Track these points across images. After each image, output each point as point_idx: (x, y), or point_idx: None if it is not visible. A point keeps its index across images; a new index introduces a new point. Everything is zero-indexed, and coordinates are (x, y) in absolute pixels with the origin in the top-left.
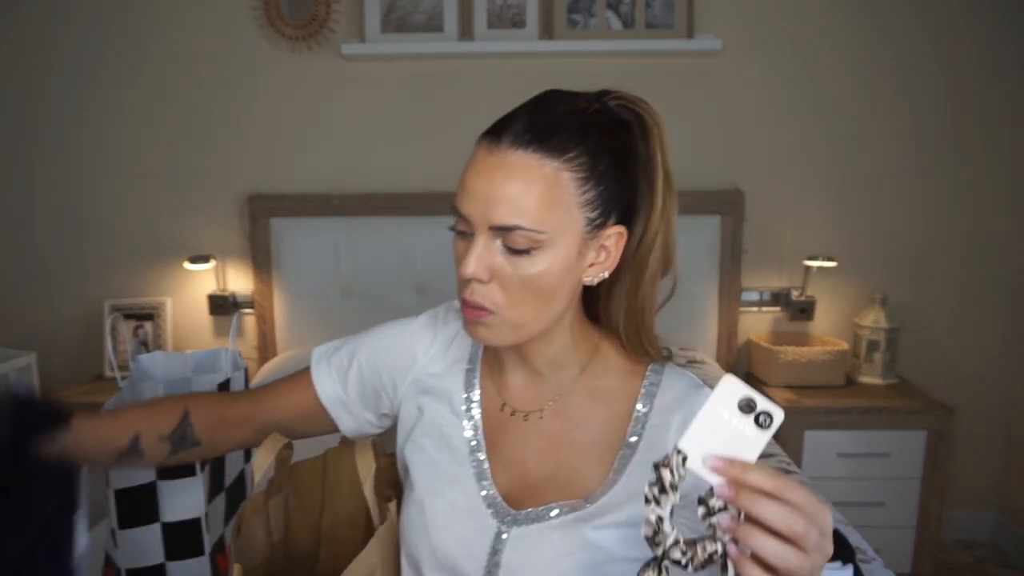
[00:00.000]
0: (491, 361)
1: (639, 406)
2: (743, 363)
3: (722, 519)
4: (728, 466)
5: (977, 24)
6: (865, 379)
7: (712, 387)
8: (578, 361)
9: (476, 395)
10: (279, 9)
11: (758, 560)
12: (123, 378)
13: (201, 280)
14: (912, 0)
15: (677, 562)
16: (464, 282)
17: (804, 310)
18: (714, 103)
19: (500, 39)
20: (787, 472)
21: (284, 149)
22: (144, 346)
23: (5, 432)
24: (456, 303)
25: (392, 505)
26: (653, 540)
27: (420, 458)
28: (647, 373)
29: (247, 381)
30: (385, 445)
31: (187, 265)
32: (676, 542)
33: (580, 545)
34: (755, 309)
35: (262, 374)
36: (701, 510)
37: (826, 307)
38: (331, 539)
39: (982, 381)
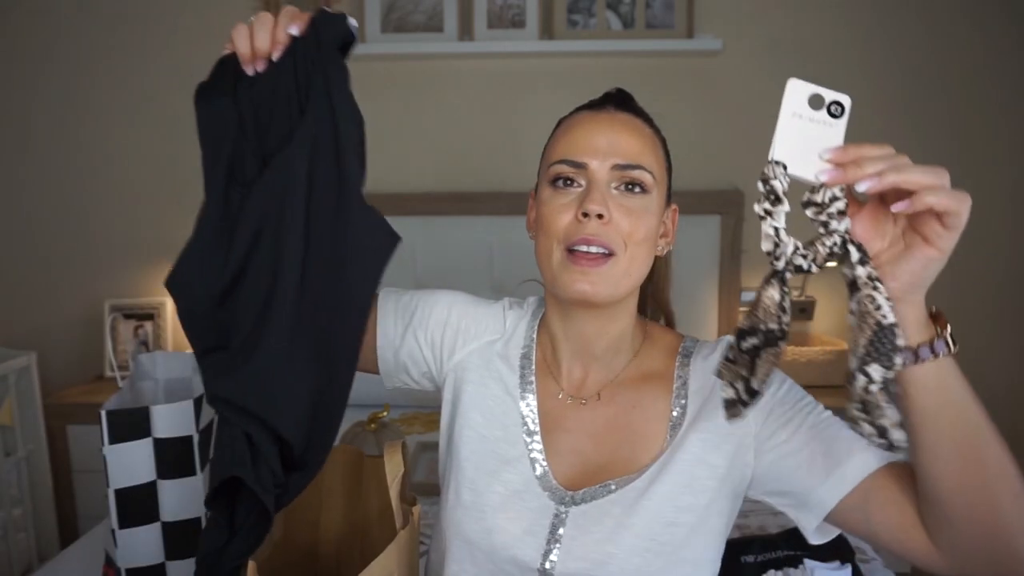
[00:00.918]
0: (546, 353)
1: (678, 378)
2: None
3: (838, 204)
4: (842, 152)
5: (979, 23)
6: None
7: None
8: (632, 346)
9: (532, 381)
10: (279, 9)
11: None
12: (123, 378)
13: None
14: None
15: (799, 268)
16: (575, 228)
17: (804, 310)
18: (714, 103)
19: (500, 39)
20: None
21: None
22: (144, 346)
23: None
24: (510, 299)
25: (416, 509)
26: (774, 254)
27: (470, 435)
28: (680, 348)
29: None
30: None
31: None
32: (796, 248)
33: (638, 516)
34: None
35: None
36: (811, 211)
37: (826, 307)
38: (331, 538)
39: (982, 381)
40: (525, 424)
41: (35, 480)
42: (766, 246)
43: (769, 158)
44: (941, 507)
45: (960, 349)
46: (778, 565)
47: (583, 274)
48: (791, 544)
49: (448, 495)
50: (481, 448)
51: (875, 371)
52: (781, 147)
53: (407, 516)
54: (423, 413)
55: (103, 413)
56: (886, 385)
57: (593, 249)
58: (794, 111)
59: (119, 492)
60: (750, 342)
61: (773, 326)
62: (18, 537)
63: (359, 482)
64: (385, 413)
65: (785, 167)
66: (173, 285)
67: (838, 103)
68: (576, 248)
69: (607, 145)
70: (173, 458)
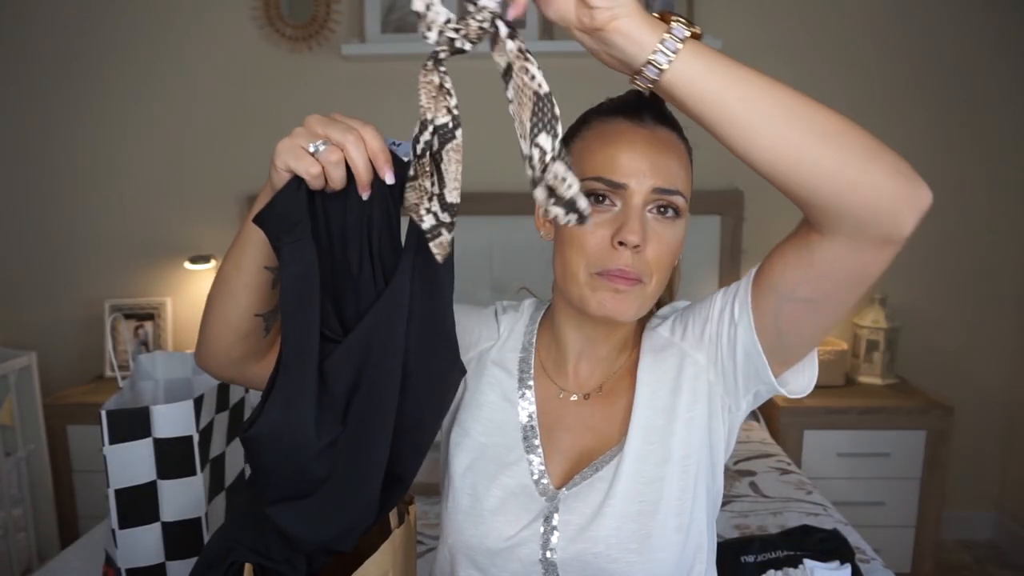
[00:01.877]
0: (547, 354)
1: (643, 356)
2: None
3: None
4: None
5: (981, 22)
6: (865, 379)
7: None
8: (636, 341)
9: (531, 383)
10: (279, 9)
11: None
12: (123, 378)
13: (201, 280)
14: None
15: (452, 43)
16: (609, 256)
17: None
18: None
19: None
20: (787, 472)
21: None
22: (144, 346)
23: None
24: (504, 302)
25: (412, 508)
26: (425, 19)
27: (469, 444)
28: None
29: None
30: None
31: (187, 265)
32: (448, 20)
33: (621, 482)
34: None
35: None
36: (469, 7)
37: None
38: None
39: (982, 381)
40: (524, 428)
41: (35, 480)
42: (417, 5)
43: None
44: (797, 190)
45: (962, 352)
46: (778, 565)
47: (611, 297)
48: (791, 544)
49: (447, 503)
50: (481, 456)
51: (545, 141)
52: None
53: (403, 514)
54: None
55: (103, 413)
56: (560, 155)
57: (635, 273)
58: None
59: (119, 492)
60: (423, 141)
61: (443, 118)
62: (18, 537)
63: None
64: None
65: None
66: (257, 438)
67: None
68: (621, 268)
69: (649, 167)
70: (173, 458)
